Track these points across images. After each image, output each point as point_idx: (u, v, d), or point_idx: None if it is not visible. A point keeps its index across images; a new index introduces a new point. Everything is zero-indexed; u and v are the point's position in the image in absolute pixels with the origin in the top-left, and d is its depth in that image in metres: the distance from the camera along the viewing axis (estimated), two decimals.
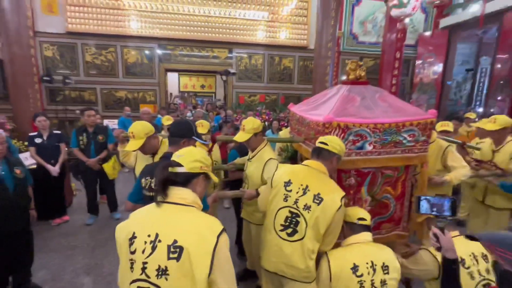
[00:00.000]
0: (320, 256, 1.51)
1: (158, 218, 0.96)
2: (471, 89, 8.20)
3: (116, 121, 5.93)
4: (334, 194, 1.46)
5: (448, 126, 2.84)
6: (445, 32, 7.40)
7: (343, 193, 1.49)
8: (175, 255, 0.87)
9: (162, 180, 0.98)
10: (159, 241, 0.89)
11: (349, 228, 1.53)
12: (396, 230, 1.97)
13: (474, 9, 6.44)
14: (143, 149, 1.84)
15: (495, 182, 2.27)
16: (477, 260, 1.48)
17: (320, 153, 1.57)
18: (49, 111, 6.02)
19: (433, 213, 1.24)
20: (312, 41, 7.53)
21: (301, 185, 1.51)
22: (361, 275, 1.40)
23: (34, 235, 2.41)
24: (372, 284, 1.40)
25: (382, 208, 1.89)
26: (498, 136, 2.44)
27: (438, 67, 7.61)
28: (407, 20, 4.87)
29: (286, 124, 5.29)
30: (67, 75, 6.31)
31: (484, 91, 8.08)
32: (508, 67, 5.59)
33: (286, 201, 1.53)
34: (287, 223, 1.51)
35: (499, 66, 5.92)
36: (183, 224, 0.94)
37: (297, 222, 1.48)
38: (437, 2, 7.10)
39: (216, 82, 9.29)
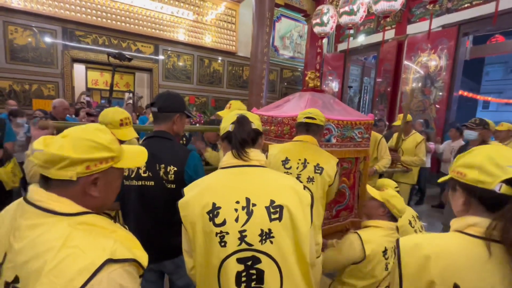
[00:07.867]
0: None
1: (240, 183, 0.88)
2: (359, 101, 10.65)
3: None
4: (331, 162, 1.53)
5: None
6: (341, 55, 9.21)
7: (337, 159, 1.57)
8: (276, 215, 0.84)
9: (245, 138, 0.90)
10: (254, 205, 0.84)
11: (382, 211, 1.48)
12: (350, 217, 2.34)
13: (361, 39, 8.37)
14: None
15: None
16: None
17: (309, 128, 1.60)
18: None
19: None
20: (241, 48, 7.90)
21: (299, 159, 1.52)
22: (387, 258, 1.43)
23: None
24: (387, 267, 1.44)
25: (340, 197, 2.21)
26: (406, 128, 3.25)
27: (338, 83, 9.39)
28: (325, 38, 5.90)
29: None
30: None
31: (367, 103, 10.67)
32: (384, 85, 7.54)
33: None
34: None
35: (377, 85, 7.90)
36: (272, 184, 0.90)
37: None
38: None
39: (135, 80, 8.29)
